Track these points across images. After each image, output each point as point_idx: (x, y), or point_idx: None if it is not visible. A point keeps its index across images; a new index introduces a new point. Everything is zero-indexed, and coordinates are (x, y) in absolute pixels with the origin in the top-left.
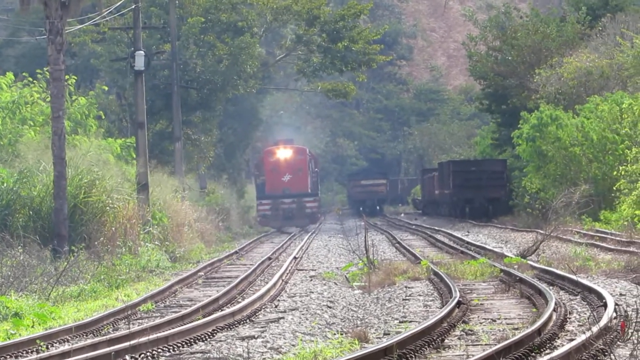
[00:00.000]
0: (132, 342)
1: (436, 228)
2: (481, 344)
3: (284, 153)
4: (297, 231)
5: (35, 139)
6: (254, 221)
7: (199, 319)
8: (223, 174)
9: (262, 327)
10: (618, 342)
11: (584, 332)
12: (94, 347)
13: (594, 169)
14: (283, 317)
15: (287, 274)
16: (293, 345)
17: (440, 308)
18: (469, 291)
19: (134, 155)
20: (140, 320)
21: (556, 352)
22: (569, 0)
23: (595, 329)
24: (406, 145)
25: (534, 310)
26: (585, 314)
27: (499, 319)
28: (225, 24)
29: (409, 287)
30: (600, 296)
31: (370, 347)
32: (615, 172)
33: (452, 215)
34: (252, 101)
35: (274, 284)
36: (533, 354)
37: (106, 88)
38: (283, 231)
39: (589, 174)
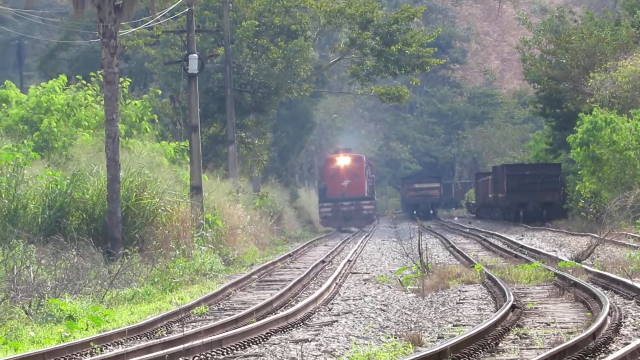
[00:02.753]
0: (186, 345)
1: (490, 232)
2: (535, 348)
3: (343, 160)
4: (354, 232)
5: (89, 141)
6: (307, 224)
7: (252, 322)
8: (277, 178)
9: (315, 331)
10: None
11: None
12: (147, 349)
13: None
14: (337, 321)
15: (341, 277)
16: (347, 349)
17: (494, 312)
18: (523, 295)
19: (188, 159)
20: (194, 323)
21: (611, 356)
22: (623, 4)
23: None
24: (460, 149)
25: (589, 314)
26: None
27: (553, 322)
28: (279, 28)
29: (462, 291)
30: None
31: (424, 351)
32: None
33: (506, 219)
34: (306, 105)
35: (328, 287)
36: (588, 358)
37: (160, 92)
38: (343, 230)
39: None
